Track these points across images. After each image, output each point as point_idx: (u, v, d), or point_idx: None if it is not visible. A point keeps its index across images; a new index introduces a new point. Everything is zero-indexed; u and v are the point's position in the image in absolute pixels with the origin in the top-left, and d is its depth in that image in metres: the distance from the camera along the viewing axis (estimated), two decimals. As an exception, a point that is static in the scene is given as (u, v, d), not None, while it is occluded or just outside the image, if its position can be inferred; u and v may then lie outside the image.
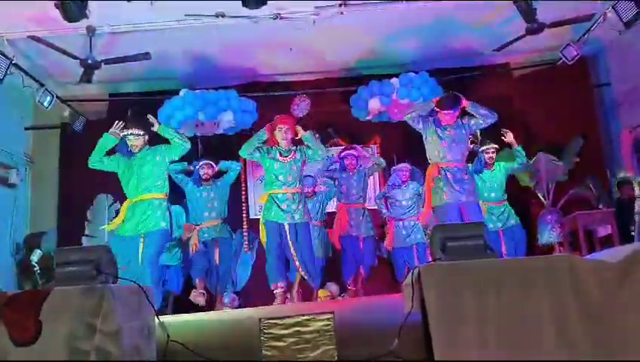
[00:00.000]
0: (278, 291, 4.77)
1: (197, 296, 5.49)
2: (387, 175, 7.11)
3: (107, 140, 4.60)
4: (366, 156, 6.45)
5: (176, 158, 4.76)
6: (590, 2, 5.86)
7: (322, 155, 5.06)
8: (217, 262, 5.59)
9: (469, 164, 5.46)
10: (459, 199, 4.53)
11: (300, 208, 4.81)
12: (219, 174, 5.82)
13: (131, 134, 4.57)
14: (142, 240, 4.49)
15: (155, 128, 4.65)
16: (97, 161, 4.60)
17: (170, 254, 6.24)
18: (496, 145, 5.56)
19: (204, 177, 5.61)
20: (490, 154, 5.52)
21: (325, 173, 6.35)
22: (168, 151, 4.66)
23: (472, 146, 5.47)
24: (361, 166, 6.29)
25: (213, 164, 5.71)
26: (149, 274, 4.44)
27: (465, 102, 4.59)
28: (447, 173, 4.57)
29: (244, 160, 6.53)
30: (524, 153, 5.65)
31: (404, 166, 6.33)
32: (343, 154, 6.23)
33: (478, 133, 5.54)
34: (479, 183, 5.51)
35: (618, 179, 6.84)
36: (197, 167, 5.64)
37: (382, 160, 6.45)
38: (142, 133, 4.61)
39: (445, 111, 4.54)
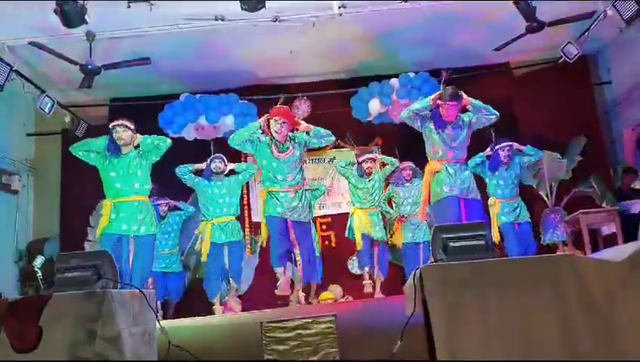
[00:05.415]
0: (280, 277, 4.73)
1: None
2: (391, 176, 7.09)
3: (102, 140, 4.49)
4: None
5: (160, 156, 4.59)
6: (590, 0, 5.84)
7: (330, 141, 4.91)
8: (227, 265, 5.55)
9: (486, 160, 5.49)
10: (460, 193, 4.48)
11: (301, 205, 4.71)
12: (230, 173, 5.74)
13: (120, 125, 4.43)
14: (131, 240, 4.39)
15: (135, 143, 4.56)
16: (84, 150, 4.48)
17: (171, 260, 6.23)
18: (511, 143, 5.53)
19: (215, 170, 5.53)
20: (506, 152, 5.49)
21: (342, 170, 6.21)
22: (149, 153, 4.55)
23: (488, 150, 5.52)
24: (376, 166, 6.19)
25: (224, 159, 5.65)
26: (139, 282, 4.27)
27: (465, 100, 4.50)
28: (449, 168, 4.53)
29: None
30: (534, 149, 5.65)
31: (407, 164, 6.30)
32: (361, 159, 6.08)
33: (492, 132, 5.54)
34: (493, 181, 5.52)
35: (624, 166, 6.80)
36: (209, 161, 5.58)
37: (394, 159, 6.31)
38: (131, 126, 4.49)
39: (449, 103, 4.42)
